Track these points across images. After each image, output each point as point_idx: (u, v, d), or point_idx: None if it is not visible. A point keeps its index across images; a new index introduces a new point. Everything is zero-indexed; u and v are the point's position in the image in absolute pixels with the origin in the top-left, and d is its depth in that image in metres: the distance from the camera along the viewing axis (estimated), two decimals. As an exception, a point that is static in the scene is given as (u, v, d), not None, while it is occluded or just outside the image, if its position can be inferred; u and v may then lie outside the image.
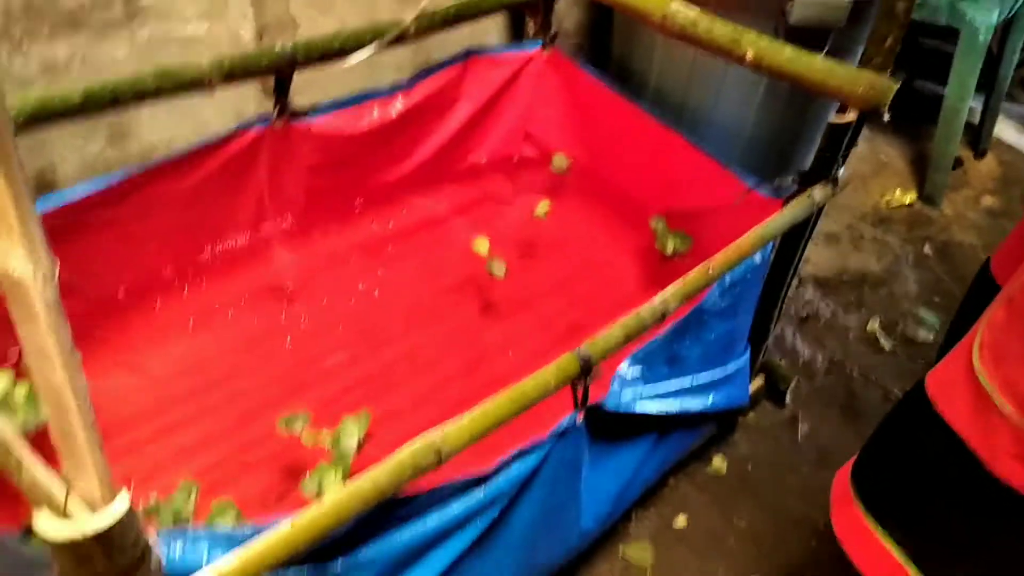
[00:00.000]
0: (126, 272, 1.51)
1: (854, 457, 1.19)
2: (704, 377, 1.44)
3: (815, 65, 1.37)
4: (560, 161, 1.95)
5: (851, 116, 1.38)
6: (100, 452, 0.71)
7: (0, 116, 0.53)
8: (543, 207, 1.81)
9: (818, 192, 1.42)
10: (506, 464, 1.10)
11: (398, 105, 1.71)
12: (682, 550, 1.57)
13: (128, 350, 1.53)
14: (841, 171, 1.46)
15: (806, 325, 2.07)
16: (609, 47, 2.06)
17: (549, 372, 1.07)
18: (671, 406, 1.35)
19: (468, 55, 1.82)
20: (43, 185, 1.40)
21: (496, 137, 1.99)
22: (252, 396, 1.53)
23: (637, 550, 1.55)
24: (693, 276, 1.24)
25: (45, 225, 1.24)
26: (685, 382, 1.39)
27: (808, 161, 2.08)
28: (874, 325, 2.10)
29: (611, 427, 1.29)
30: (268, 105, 1.50)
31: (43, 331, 0.64)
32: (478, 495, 1.08)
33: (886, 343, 2.05)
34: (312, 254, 1.76)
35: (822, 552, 1.60)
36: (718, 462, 1.72)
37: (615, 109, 1.85)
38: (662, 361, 1.35)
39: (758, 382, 1.81)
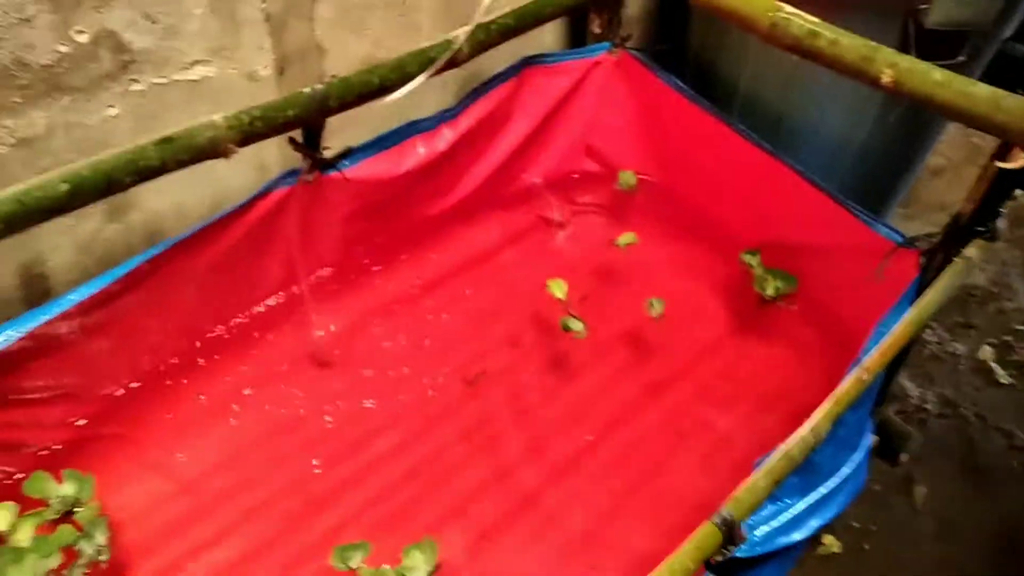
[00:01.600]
0: (139, 363, 1.28)
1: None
2: (836, 477, 1.20)
3: (976, 95, 1.08)
4: (628, 178, 1.68)
5: (1022, 160, 1.11)
6: None
7: None
8: (626, 238, 1.55)
9: (976, 252, 1.17)
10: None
11: (445, 137, 1.44)
12: (795, 655, 1.36)
13: (152, 447, 1.30)
14: (1000, 222, 1.20)
15: (911, 356, 1.82)
16: (685, 45, 1.77)
17: (686, 553, 0.83)
18: (808, 527, 1.11)
19: (524, 65, 1.54)
20: (31, 282, 1.15)
21: (554, 153, 1.72)
22: (294, 495, 1.30)
23: (745, 664, 1.33)
24: (846, 390, 0.99)
25: (37, 336, 0.99)
26: (820, 492, 1.15)
27: (911, 185, 1.80)
28: (986, 352, 1.84)
29: (738, 568, 1.06)
30: (291, 152, 1.24)
31: None
32: None
33: (1002, 374, 1.81)
34: (351, 310, 1.51)
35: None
36: (830, 541, 1.49)
37: (695, 121, 1.57)
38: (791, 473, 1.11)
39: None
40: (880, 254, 1.31)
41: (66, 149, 1.11)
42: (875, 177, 1.64)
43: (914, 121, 1.55)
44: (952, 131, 1.89)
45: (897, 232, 1.31)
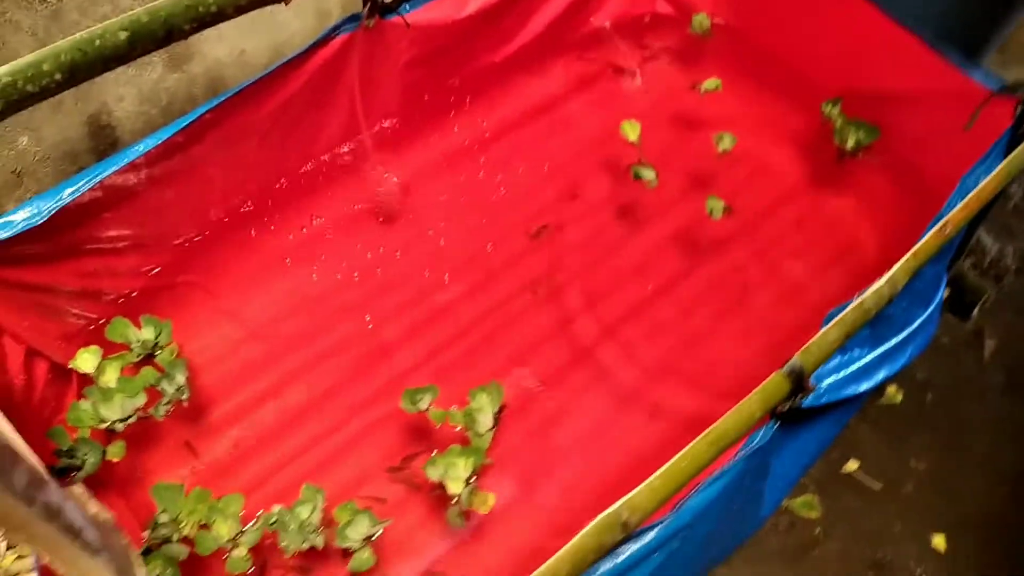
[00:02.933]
0: (208, 212, 1.29)
1: None
2: (907, 328, 1.18)
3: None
4: (702, 21, 1.59)
5: None
6: None
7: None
8: (710, 83, 1.49)
9: (1082, 97, 1.08)
10: (688, 499, 0.90)
11: (511, -24, 1.37)
12: (853, 499, 1.39)
13: (225, 294, 1.34)
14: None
15: (992, 210, 1.74)
16: None
17: (753, 402, 0.84)
18: (875, 378, 1.11)
19: None
20: (99, 131, 1.16)
21: (624, -8, 1.63)
22: (363, 342, 1.34)
23: (803, 503, 1.37)
24: (926, 244, 0.96)
25: (108, 187, 1.01)
26: (889, 345, 1.13)
27: (1011, 29, 1.66)
28: (1074, 205, 1.76)
29: (802, 416, 1.07)
30: (353, -5, 1.20)
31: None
32: (657, 535, 0.89)
33: (1089, 228, 1.73)
34: (414, 162, 1.50)
35: (1016, 500, 1.40)
36: (892, 391, 1.49)
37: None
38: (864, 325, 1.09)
39: (941, 293, 1.54)
40: (972, 103, 1.23)
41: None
42: (972, 20, 1.51)
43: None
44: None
45: (993, 77, 1.22)
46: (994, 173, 1.00)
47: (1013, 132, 1.20)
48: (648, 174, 1.40)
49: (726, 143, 1.44)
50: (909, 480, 1.41)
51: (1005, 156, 1.07)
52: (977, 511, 1.38)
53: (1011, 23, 1.59)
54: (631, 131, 1.43)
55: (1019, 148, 1.03)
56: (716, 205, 1.39)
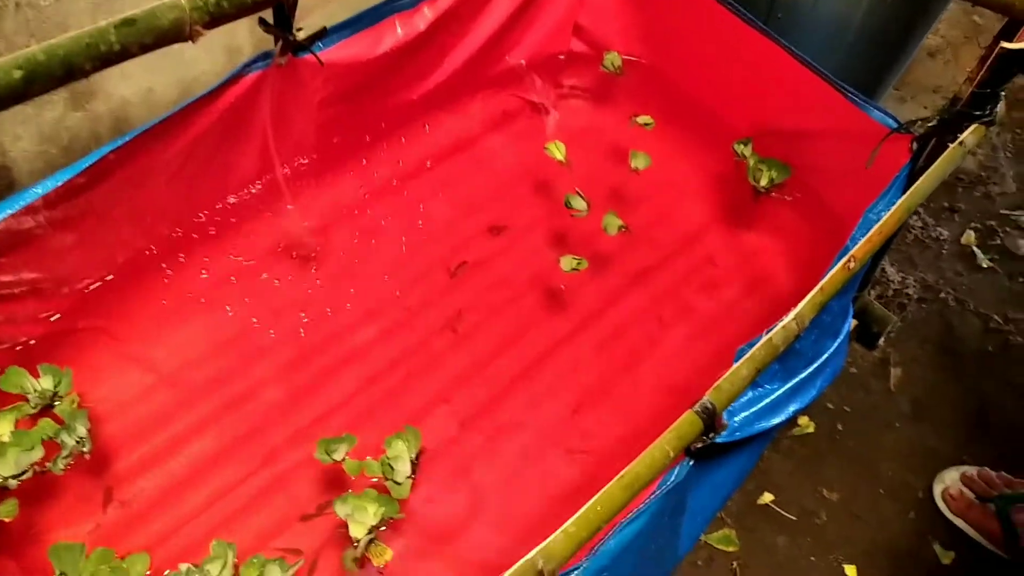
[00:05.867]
0: (114, 254, 1.24)
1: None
2: (816, 361, 1.21)
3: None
4: (613, 59, 1.62)
5: (1028, 42, 1.07)
6: None
7: None
8: (643, 119, 1.52)
9: (971, 139, 1.14)
10: (606, 541, 0.90)
11: (425, 16, 1.37)
12: (769, 531, 1.41)
13: (131, 340, 1.29)
14: (1000, 107, 1.16)
15: (895, 242, 1.81)
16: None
17: (666, 442, 0.84)
18: (786, 411, 1.13)
19: (509, -62, 1.45)
20: (-7, 173, 1.11)
21: (540, 32, 1.64)
22: (277, 386, 1.30)
23: (721, 537, 1.39)
24: (832, 279, 0.98)
25: (2, 231, 0.96)
26: (799, 378, 1.16)
27: (909, 67, 1.75)
28: (970, 237, 1.84)
29: (716, 452, 1.08)
30: (262, 34, 1.17)
31: None
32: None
33: (983, 258, 1.81)
34: (330, 201, 1.48)
35: (922, 526, 1.44)
36: (804, 422, 1.52)
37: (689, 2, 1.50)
38: (773, 361, 1.12)
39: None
40: (874, 140, 1.28)
41: (18, 33, 1.05)
42: (872, 59, 1.58)
43: (908, 7, 1.49)
44: (952, 8, 1.83)
45: (891, 116, 1.28)
46: (894, 208, 1.04)
47: (911, 168, 1.25)
48: (579, 203, 1.41)
49: (639, 162, 1.46)
50: (822, 510, 1.44)
51: (904, 191, 1.11)
52: (885, 539, 1.42)
53: (906, 60, 1.67)
54: (557, 151, 1.45)
55: (916, 183, 1.07)
56: (612, 222, 1.41)
